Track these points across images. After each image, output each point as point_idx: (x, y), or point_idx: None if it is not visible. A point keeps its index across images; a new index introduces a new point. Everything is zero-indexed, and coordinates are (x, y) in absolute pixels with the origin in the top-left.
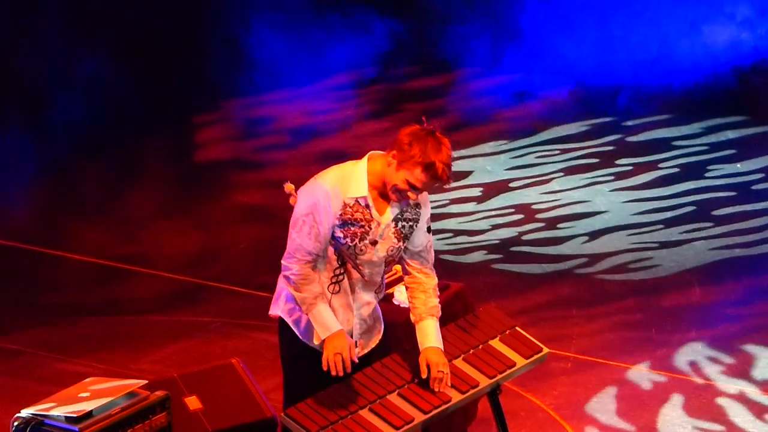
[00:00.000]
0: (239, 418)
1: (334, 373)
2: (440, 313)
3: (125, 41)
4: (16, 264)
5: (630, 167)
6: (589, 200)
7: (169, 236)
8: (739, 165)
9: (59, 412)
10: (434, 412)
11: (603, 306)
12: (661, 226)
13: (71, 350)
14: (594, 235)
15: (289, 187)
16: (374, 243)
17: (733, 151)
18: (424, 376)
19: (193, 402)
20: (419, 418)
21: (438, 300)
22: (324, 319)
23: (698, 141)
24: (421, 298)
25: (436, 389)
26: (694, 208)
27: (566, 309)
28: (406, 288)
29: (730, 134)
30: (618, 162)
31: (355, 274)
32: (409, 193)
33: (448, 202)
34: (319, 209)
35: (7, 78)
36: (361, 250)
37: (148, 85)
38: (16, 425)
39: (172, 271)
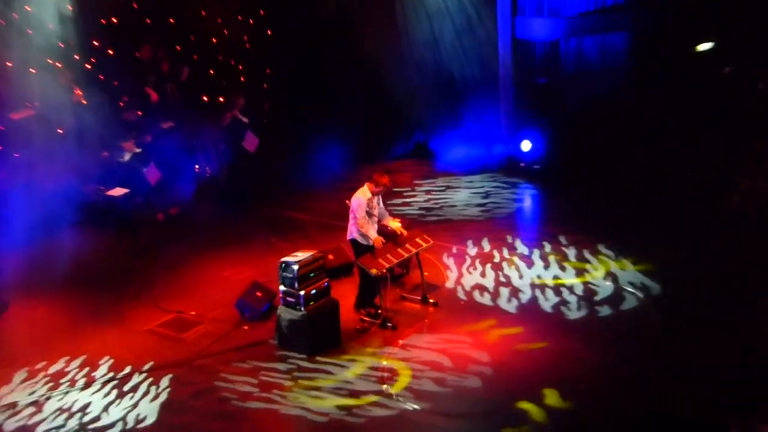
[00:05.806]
0: (345, 260)
1: (381, 246)
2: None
3: None
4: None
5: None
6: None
7: (326, 204)
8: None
9: (291, 259)
10: (402, 258)
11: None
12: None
13: (296, 240)
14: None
15: (348, 201)
16: (376, 207)
17: None
18: (401, 232)
19: (330, 257)
20: (399, 257)
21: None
22: (374, 232)
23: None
24: (390, 219)
25: (404, 233)
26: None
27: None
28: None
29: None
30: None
31: (374, 219)
32: (381, 191)
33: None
34: (362, 201)
35: None
36: (374, 209)
37: None
38: (281, 264)
39: (323, 217)
